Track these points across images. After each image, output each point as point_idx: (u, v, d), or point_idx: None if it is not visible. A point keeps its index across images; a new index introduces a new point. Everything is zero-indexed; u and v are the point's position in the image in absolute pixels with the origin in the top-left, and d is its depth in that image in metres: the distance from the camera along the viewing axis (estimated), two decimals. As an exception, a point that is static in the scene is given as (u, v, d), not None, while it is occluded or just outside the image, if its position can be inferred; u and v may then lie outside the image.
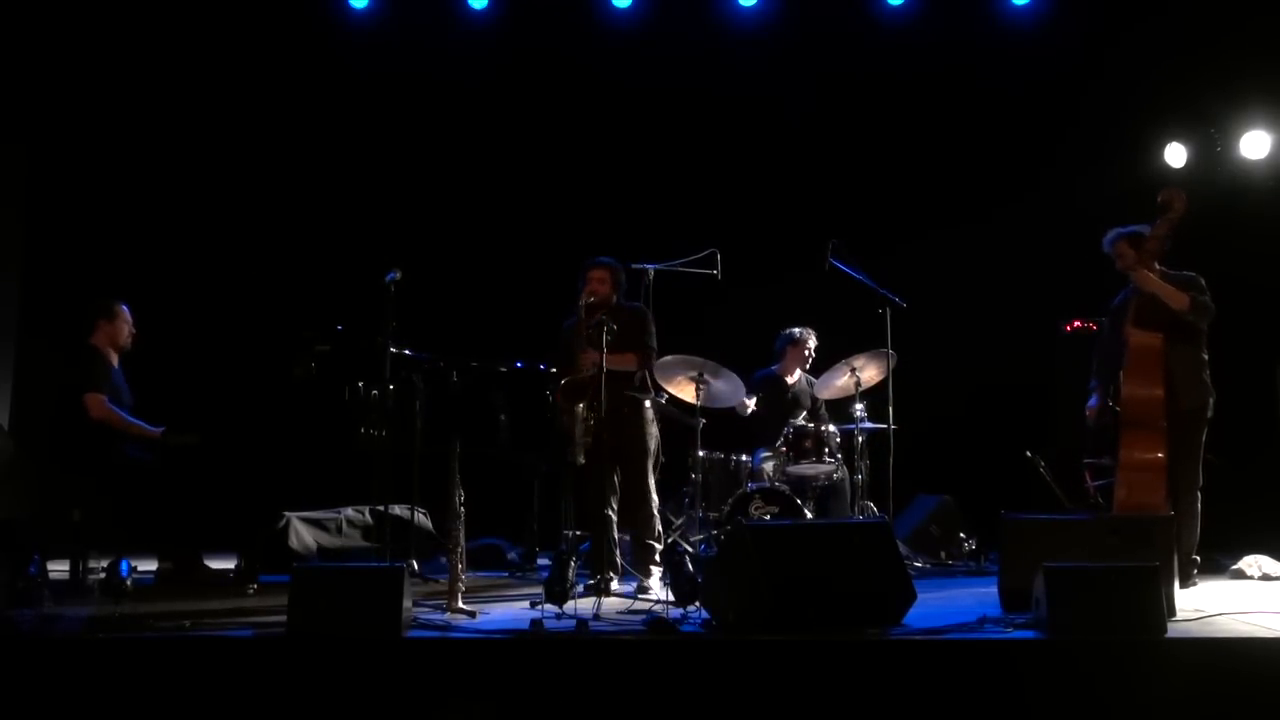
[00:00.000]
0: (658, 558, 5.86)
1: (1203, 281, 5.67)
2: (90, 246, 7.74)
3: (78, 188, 7.88)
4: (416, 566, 5.99)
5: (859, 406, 6.80)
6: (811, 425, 6.94)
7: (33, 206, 7.85)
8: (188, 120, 7.97)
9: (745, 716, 4.08)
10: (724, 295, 6.59)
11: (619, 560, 5.97)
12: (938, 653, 4.20)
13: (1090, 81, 7.86)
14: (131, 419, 5.84)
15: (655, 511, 5.98)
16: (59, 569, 5.59)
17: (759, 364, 7.50)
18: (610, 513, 5.89)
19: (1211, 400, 5.69)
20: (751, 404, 7.20)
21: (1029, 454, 6.45)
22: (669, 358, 6.70)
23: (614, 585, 5.72)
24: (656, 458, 6.07)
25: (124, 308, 6.12)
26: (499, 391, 6.01)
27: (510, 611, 5.00)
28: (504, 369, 6.28)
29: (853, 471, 6.85)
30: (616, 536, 5.98)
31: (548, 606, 4.78)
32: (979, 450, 7.38)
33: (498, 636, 4.37)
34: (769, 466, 6.91)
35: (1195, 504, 5.62)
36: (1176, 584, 4.91)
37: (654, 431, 6.04)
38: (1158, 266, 5.61)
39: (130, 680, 4.10)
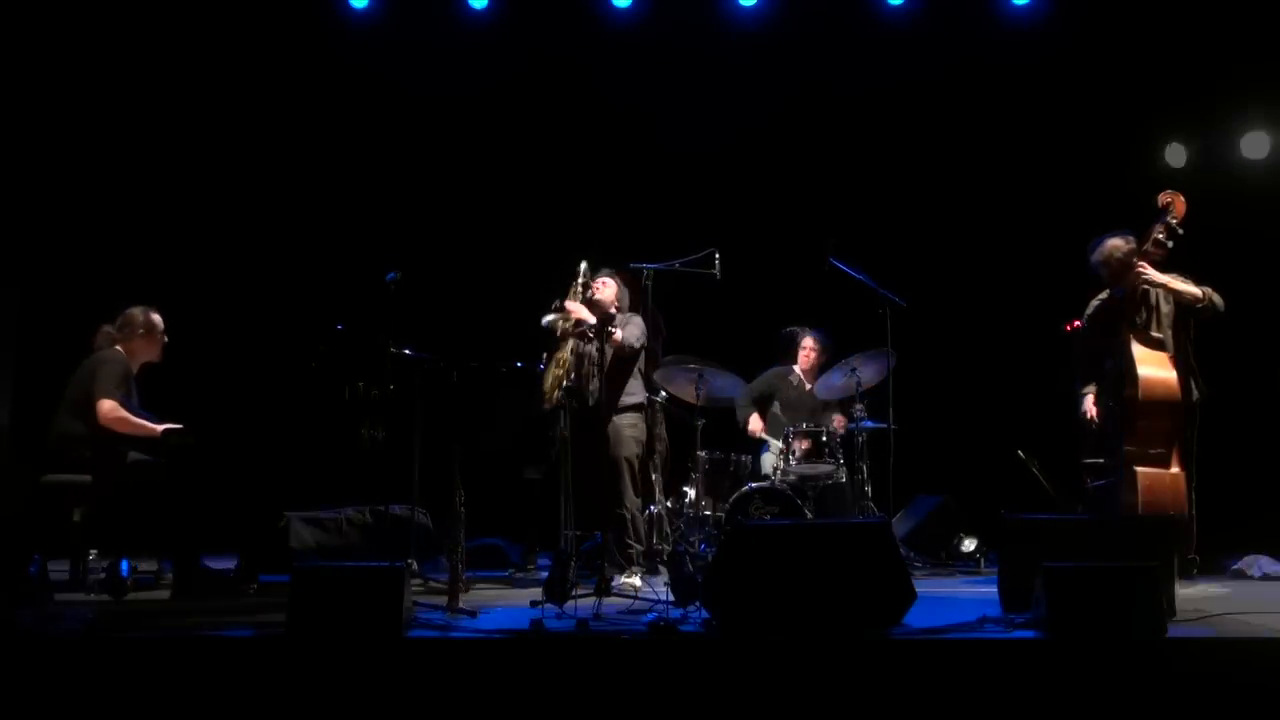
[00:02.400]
0: (634, 555, 5.98)
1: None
2: (90, 247, 7.73)
3: (78, 189, 7.87)
4: (416, 566, 5.99)
5: (859, 406, 6.79)
6: (812, 425, 6.95)
7: (33, 210, 7.84)
8: (189, 122, 7.97)
9: (745, 716, 4.08)
10: (724, 295, 6.59)
11: (635, 552, 6.04)
12: (938, 653, 4.20)
13: (1090, 80, 7.85)
14: (138, 420, 5.83)
15: (635, 511, 6.09)
16: (59, 569, 5.59)
17: (759, 364, 7.51)
18: (622, 511, 6.00)
19: (1199, 397, 5.70)
20: (754, 423, 7.24)
21: (1020, 453, 6.46)
22: (669, 357, 6.72)
23: (635, 580, 5.76)
24: (642, 458, 6.24)
25: (151, 316, 6.07)
26: (510, 391, 6.04)
27: (510, 611, 5.01)
28: (504, 369, 6.29)
29: (853, 471, 6.85)
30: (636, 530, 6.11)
31: (548, 606, 4.79)
32: (979, 450, 7.38)
33: (498, 636, 4.37)
34: (770, 466, 6.92)
35: (1190, 502, 5.62)
36: (1176, 584, 4.91)
37: (636, 434, 6.18)
38: (1149, 269, 5.60)
39: (130, 680, 4.11)
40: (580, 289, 6.10)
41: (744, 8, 8.05)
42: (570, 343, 6.11)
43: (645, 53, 8.01)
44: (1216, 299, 5.58)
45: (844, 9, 8.08)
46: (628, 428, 6.12)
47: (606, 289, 6.19)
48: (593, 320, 5.95)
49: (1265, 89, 7.60)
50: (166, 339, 6.08)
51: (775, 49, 8.04)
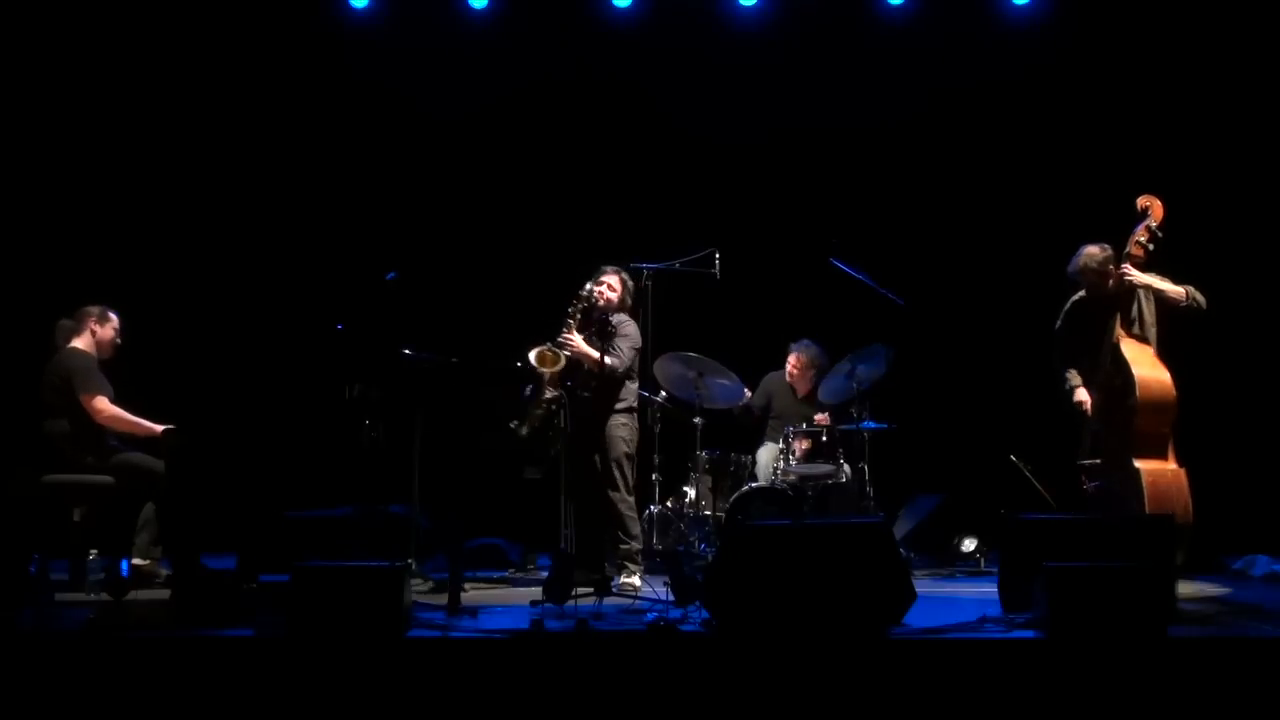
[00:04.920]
0: (637, 556, 5.90)
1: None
2: (89, 247, 7.72)
3: (78, 190, 7.86)
4: (416, 566, 5.99)
5: (859, 407, 6.79)
6: (812, 425, 6.95)
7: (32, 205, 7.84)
8: (187, 121, 7.96)
9: (745, 716, 4.09)
10: (723, 295, 6.59)
11: (635, 547, 6.00)
12: (938, 653, 4.21)
13: (1089, 78, 7.85)
14: (135, 418, 5.82)
15: (627, 511, 5.98)
16: (59, 569, 5.59)
17: (758, 364, 7.51)
18: (618, 511, 5.94)
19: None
20: (746, 398, 7.22)
21: (1014, 459, 6.47)
22: (669, 354, 6.72)
23: (635, 580, 5.73)
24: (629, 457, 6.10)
25: (108, 312, 6.07)
26: (508, 390, 6.02)
27: (510, 611, 5.01)
28: (504, 369, 6.28)
29: (853, 472, 6.85)
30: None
31: (548, 606, 4.79)
32: (979, 450, 7.37)
33: (498, 636, 4.38)
34: (770, 465, 6.92)
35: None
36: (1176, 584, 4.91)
37: (625, 434, 6.04)
38: (1133, 270, 5.60)
39: (130, 680, 4.11)
40: (582, 310, 5.94)
41: (744, 7, 8.05)
42: (549, 388, 5.86)
43: (645, 52, 8.00)
44: (1199, 297, 5.59)
45: (844, 9, 8.08)
46: (618, 428, 6.06)
47: (611, 290, 6.05)
48: (595, 356, 5.81)
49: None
50: (119, 327, 6.05)
51: (775, 49, 8.03)
